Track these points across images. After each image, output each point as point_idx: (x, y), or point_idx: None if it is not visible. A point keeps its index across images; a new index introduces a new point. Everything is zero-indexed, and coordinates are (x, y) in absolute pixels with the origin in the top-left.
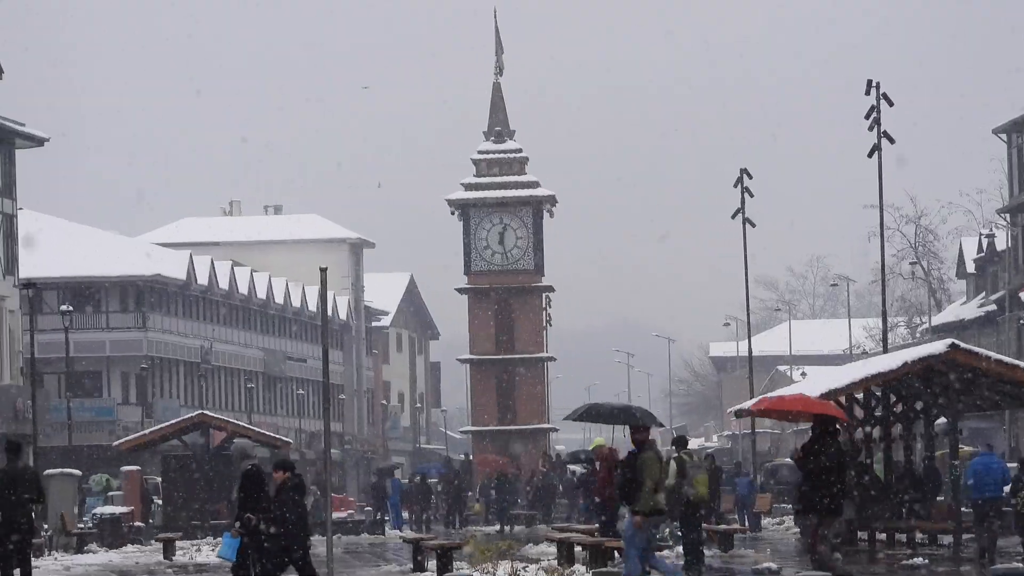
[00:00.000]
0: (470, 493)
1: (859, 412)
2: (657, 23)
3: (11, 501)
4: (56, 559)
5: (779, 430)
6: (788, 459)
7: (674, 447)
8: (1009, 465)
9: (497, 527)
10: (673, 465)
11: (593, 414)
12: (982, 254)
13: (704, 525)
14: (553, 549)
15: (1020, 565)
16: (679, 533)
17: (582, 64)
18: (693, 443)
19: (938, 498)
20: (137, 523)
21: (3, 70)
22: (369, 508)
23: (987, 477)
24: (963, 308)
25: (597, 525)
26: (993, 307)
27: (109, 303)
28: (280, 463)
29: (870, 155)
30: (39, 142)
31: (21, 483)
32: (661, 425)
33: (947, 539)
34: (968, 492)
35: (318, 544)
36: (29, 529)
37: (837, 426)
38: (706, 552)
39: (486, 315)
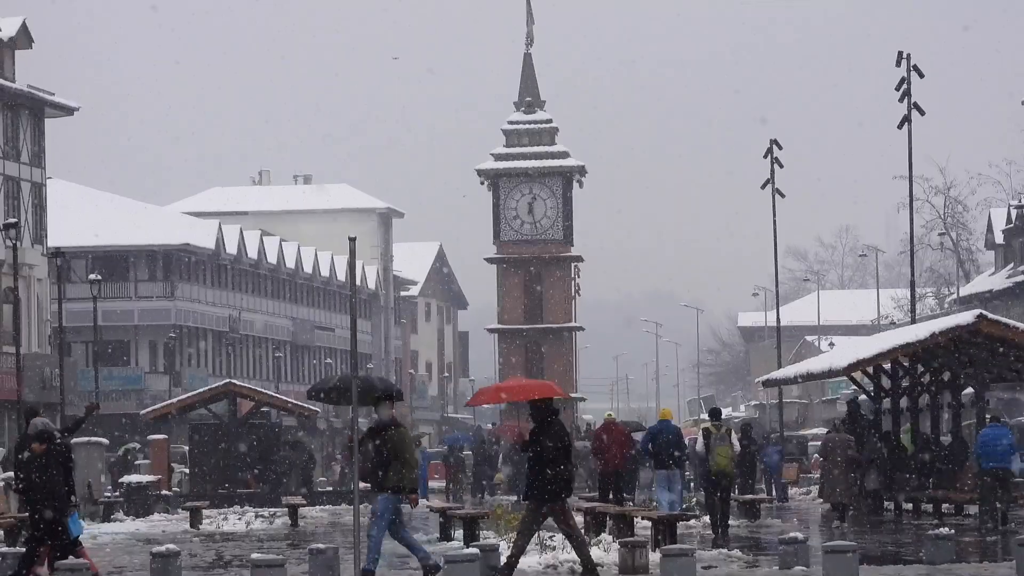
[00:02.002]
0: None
1: (886, 382)
2: None
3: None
4: (83, 528)
5: (807, 400)
6: (813, 432)
7: (709, 418)
8: None
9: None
10: (700, 436)
11: (334, 387)
12: (1011, 225)
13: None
14: (579, 519)
15: None
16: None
17: (613, 35)
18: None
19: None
20: (164, 492)
21: (33, 40)
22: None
23: (994, 448)
24: (991, 279)
25: (599, 494)
26: (1021, 278)
27: (138, 272)
28: (38, 434)
29: (900, 126)
30: (69, 111)
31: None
32: (401, 399)
33: (973, 509)
34: (978, 462)
35: (345, 513)
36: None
37: (557, 407)
38: (732, 522)
39: (515, 285)
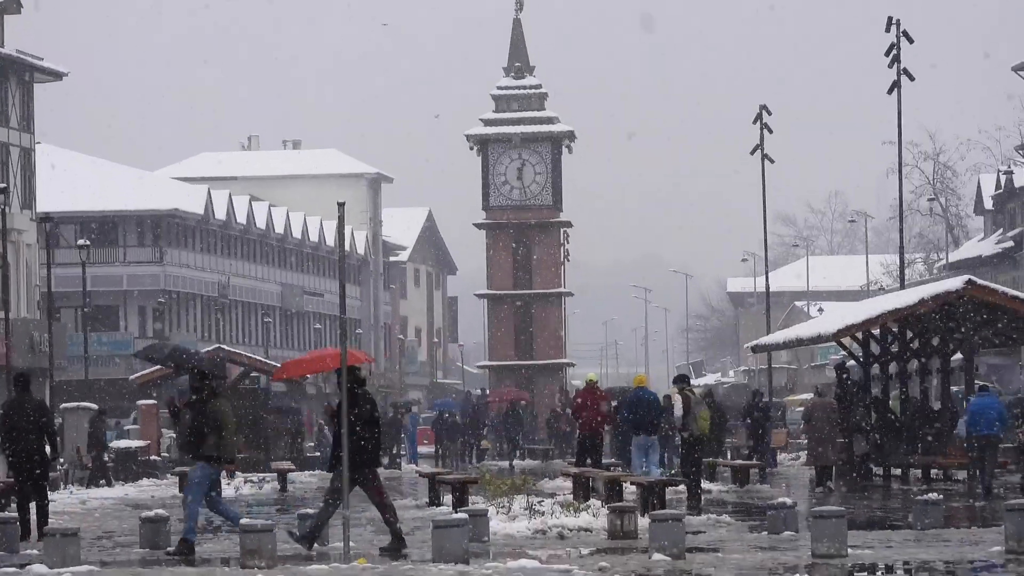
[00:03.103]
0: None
1: (875, 348)
2: None
3: (19, 434)
4: (72, 493)
5: (796, 365)
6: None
7: (674, 384)
8: None
9: (507, 462)
10: (679, 400)
11: (166, 356)
12: (1000, 191)
13: (721, 460)
14: (569, 484)
15: None
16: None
17: (602, 1)
18: (710, 378)
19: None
20: (153, 457)
21: (22, 4)
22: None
23: (983, 416)
24: (980, 245)
25: (576, 459)
26: (1010, 244)
27: (127, 237)
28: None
29: (889, 92)
30: (57, 76)
31: (28, 415)
32: (224, 377)
33: (962, 475)
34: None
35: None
36: (42, 462)
37: (362, 376)
38: (721, 487)
39: (504, 250)
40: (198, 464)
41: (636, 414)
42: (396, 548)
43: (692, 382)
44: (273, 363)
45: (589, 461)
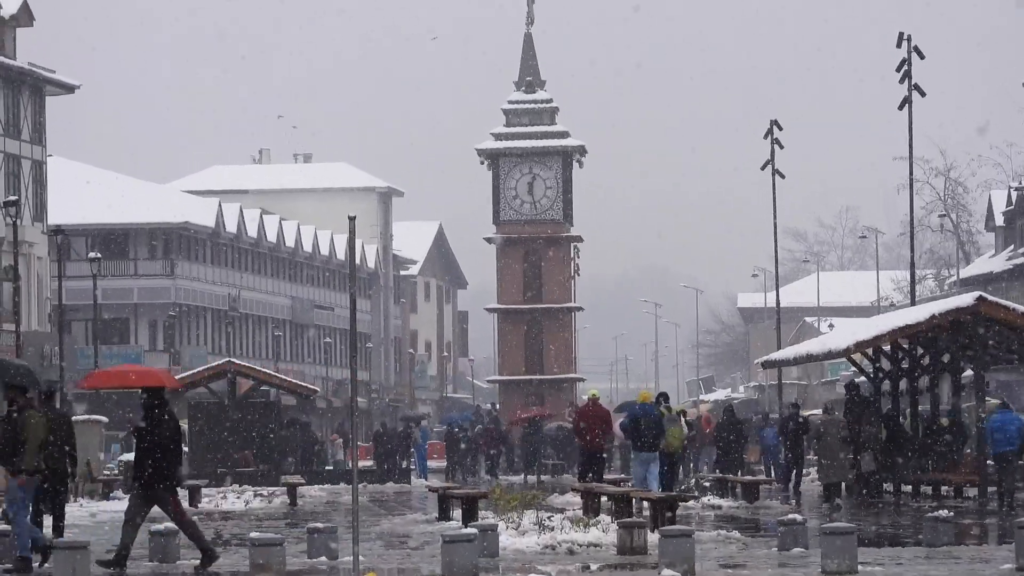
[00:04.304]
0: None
1: (886, 364)
2: None
3: (51, 447)
4: (82, 505)
5: (806, 381)
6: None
7: (656, 401)
8: None
9: (523, 477)
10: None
11: None
12: (1011, 207)
13: (732, 476)
14: (579, 499)
15: None
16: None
17: (614, 14)
18: (720, 394)
19: (965, 451)
20: None
21: (35, 17)
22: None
23: (1002, 433)
24: (991, 261)
25: (579, 474)
26: (1021, 260)
27: (138, 250)
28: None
29: (900, 108)
30: (69, 89)
31: (56, 428)
32: (38, 388)
33: (973, 491)
34: (988, 446)
35: (344, 492)
36: (63, 474)
37: (166, 396)
38: (731, 503)
39: (514, 265)
40: (13, 479)
41: (637, 430)
42: (208, 562)
43: (701, 397)
44: (283, 377)
45: (591, 476)
